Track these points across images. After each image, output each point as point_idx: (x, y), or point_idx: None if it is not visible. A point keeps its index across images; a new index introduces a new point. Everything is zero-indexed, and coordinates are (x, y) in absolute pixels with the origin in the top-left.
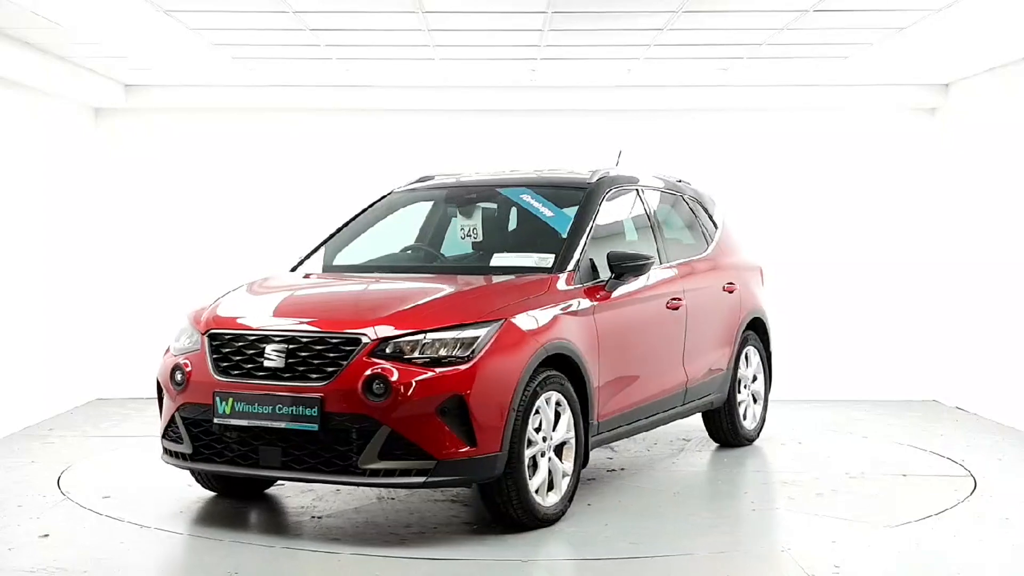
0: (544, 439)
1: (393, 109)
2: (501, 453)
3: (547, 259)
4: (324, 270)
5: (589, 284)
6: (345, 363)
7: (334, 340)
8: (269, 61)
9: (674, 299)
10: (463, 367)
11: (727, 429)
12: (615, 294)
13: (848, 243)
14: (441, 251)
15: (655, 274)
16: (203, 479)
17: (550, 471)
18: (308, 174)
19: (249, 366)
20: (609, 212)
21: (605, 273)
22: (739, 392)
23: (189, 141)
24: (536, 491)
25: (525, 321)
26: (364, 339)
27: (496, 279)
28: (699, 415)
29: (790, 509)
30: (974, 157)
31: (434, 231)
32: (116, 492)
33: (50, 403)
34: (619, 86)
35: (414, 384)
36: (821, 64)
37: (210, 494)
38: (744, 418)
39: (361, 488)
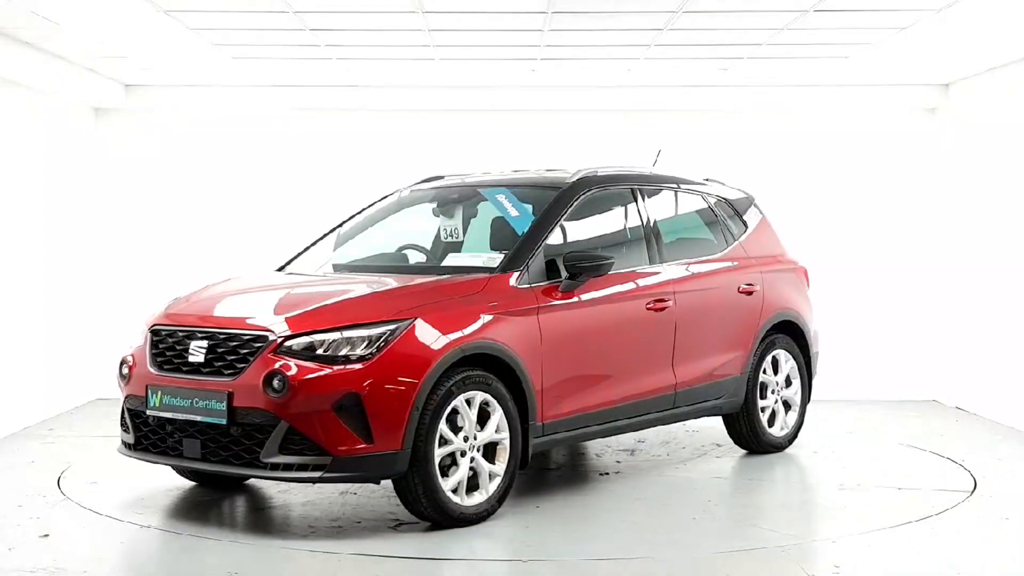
0: (465, 439)
1: (393, 109)
2: (402, 451)
3: (496, 259)
4: (334, 269)
5: (541, 284)
6: (252, 360)
7: (245, 337)
8: (269, 61)
9: (659, 300)
10: (361, 365)
11: (747, 435)
12: (574, 295)
13: (848, 243)
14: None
15: (636, 274)
16: (178, 469)
17: (475, 471)
18: (308, 174)
19: (178, 361)
20: (591, 212)
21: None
22: (763, 397)
23: (189, 141)
24: (454, 490)
25: (440, 321)
26: (270, 336)
27: (436, 279)
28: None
29: (790, 509)
30: (974, 157)
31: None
32: (116, 492)
33: (50, 403)
34: (619, 86)
35: (310, 381)
36: (821, 64)
37: (209, 494)
38: (771, 424)
39: (361, 488)
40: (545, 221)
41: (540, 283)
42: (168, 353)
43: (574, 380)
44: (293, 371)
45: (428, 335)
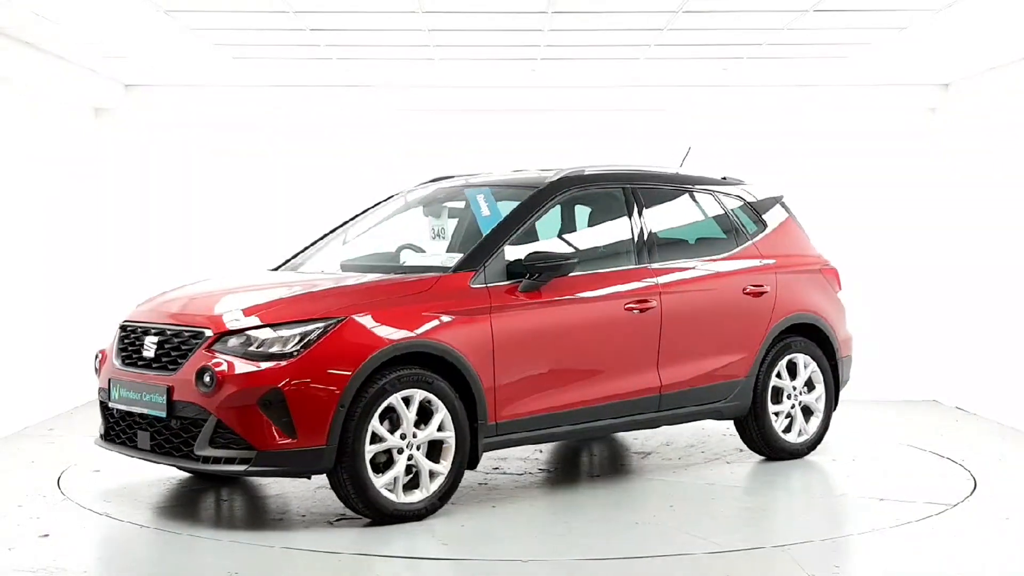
0: (403, 436)
1: (393, 109)
2: (327, 447)
3: (454, 259)
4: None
5: (499, 284)
6: (190, 355)
7: (187, 334)
8: (269, 61)
9: (641, 301)
10: (286, 362)
11: (757, 440)
12: (540, 295)
13: (847, 243)
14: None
15: (617, 275)
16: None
17: (418, 469)
18: (308, 174)
19: (136, 356)
20: (573, 211)
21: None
22: (777, 402)
23: (189, 141)
24: (390, 487)
25: (375, 319)
26: (206, 333)
27: (382, 278)
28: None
29: (790, 509)
30: (974, 157)
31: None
32: (116, 492)
33: (50, 403)
34: (619, 86)
35: (236, 377)
36: (821, 64)
37: (210, 495)
38: (788, 431)
39: None
40: (511, 221)
41: (499, 283)
42: (129, 348)
43: (534, 380)
44: (222, 367)
45: (358, 334)
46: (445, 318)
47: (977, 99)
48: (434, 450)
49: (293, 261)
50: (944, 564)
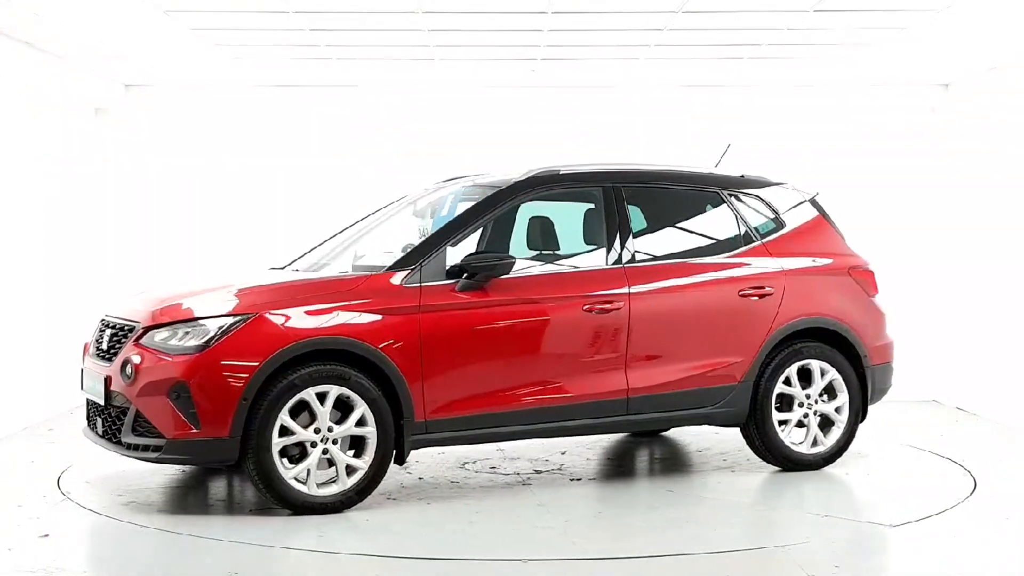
0: (317, 431)
1: (393, 109)
2: (230, 439)
3: (393, 258)
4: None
5: (436, 284)
6: (122, 348)
7: (126, 328)
8: (269, 61)
9: (603, 302)
10: (193, 356)
11: (760, 449)
12: (486, 295)
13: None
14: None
15: (579, 275)
16: None
17: (335, 463)
18: (307, 174)
19: (98, 348)
20: (540, 211)
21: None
22: (786, 410)
23: (189, 141)
24: (303, 479)
25: (287, 317)
26: (136, 327)
27: (314, 276)
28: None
29: (790, 509)
30: (974, 157)
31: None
32: (116, 492)
33: (50, 403)
34: (618, 86)
35: (149, 368)
36: (821, 64)
37: (210, 495)
38: (800, 441)
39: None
40: (460, 221)
41: (436, 282)
42: (96, 341)
43: (471, 380)
44: (140, 359)
45: (267, 330)
46: (367, 316)
47: (977, 99)
48: (359, 445)
49: (302, 260)
50: (944, 564)
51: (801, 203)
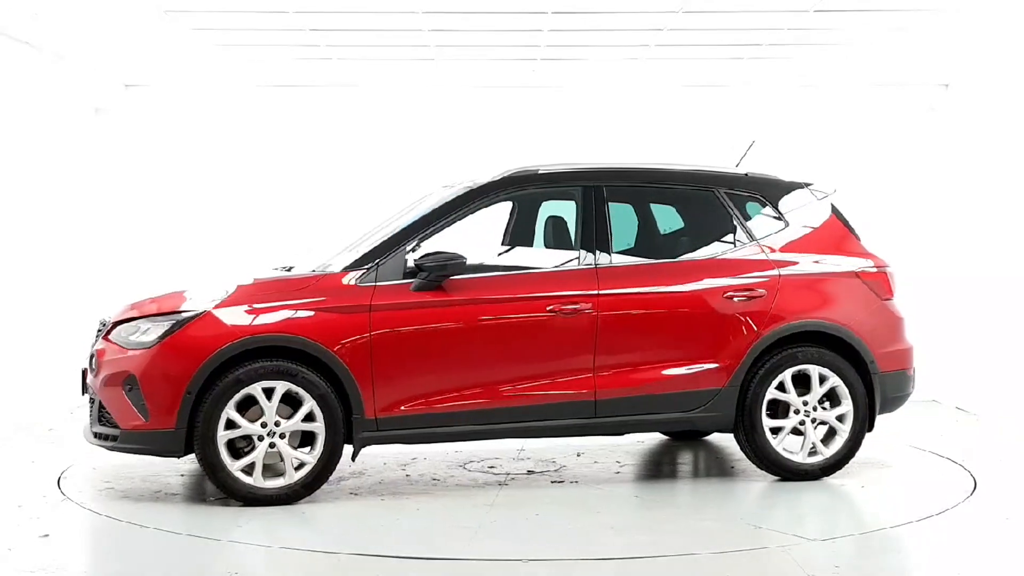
0: (264, 425)
1: (393, 109)
2: (176, 431)
3: (351, 258)
4: None
5: (390, 283)
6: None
7: (108, 324)
8: (269, 61)
9: (570, 303)
10: (144, 350)
11: (752, 456)
12: (445, 295)
13: None
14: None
15: (544, 276)
16: None
17: (283, 457)
18: (307, 174)
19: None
20: (509, 211)
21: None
22: (780, 416)
23: (189, 141)
24: (248, 471)
25: (235, 314)
26: (109, 323)
27: (271, 276)
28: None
29: (790, 509)
30: (974, 157)
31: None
32: (116, 492)
33: (50, 403)
34: (618, 86)
35: (107, 362)
36: (821, 64)
37: (209, 494)
38: (798, 450)
39: (360, 488)
40: (421, 221)
41: (393, 282)
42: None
43: (425, 379)
44: (103, 354)
45: (213, 327)
46: (315, 314)
47: (977, 99)
48: (313, 441)
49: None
50: (944, 564)
51: (810, 202)
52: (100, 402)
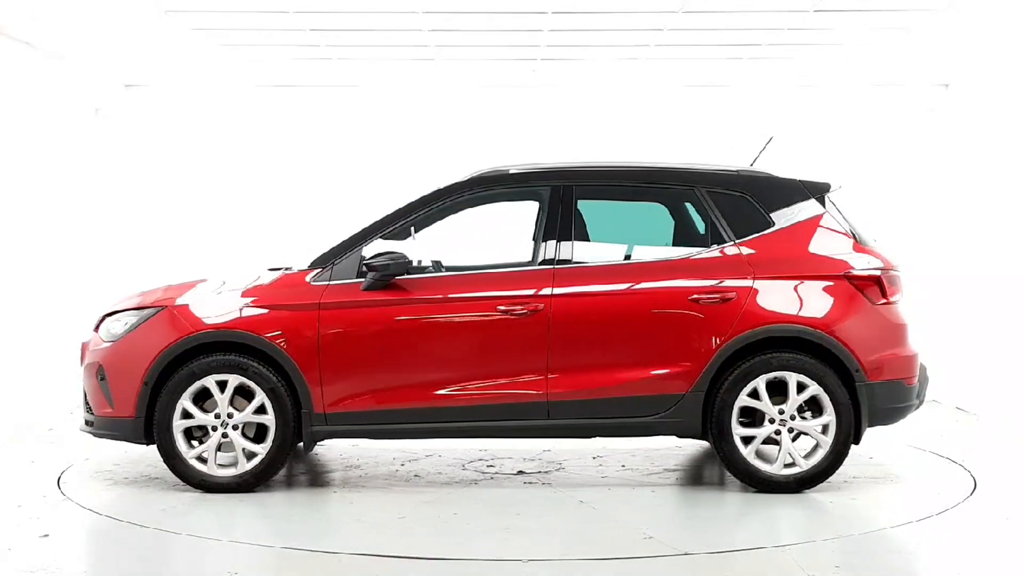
0: (217, 416)
1: (393, 109)
2: (135, 419)
3: (312, 257)
4: None
5: (343, 282)
6: None
7: (103, 318)
8: (269, 61)
9: (519, 303)
10: (113, 343)
11: (724, 465)
12: (398, 294)
13: None
14: None
15: (500, 276)
16: None
17: (235, 447)
18: (308, 174)
19: None
20: (470, 213)
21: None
22: (754, 425)
23: (189, 141)
24: (204, 460)
25: (191, 310)
26: (101, 315)
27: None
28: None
29: (790, 509)
30: (974, 157)
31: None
32: (116, 492)
33: (50, 403)
34: (618, 86)
35: (88, 353)
36: (821, 64)
37: (209, 495)
38: (773, 460)
39: (360, 489)
40: (382, 221)
41: (344, 281)
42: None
43: (372, 376)
44: (88, 343)
45: (170, 322)
46: (270, 311)
47: (977, 99)
48: (263, 432)
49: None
50: (944, 564)
51: (803, 201)
52: (84, 390)
